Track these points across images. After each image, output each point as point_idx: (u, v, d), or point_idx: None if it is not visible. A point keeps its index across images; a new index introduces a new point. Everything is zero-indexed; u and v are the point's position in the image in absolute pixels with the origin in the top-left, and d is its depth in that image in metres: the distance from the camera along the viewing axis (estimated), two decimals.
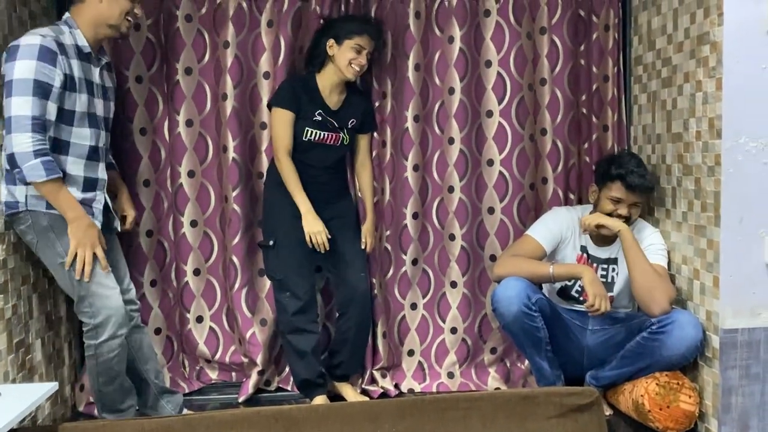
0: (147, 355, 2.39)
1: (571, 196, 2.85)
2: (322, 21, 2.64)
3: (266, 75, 2.67)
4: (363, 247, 2.67)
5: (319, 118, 2.54)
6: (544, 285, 2.60)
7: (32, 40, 1.99)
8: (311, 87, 2.55)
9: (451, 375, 2.86)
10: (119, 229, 2.38)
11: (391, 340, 2.85)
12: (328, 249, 2.53)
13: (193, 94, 2.70)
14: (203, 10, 2.67)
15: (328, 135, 2.56)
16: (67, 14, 2.15)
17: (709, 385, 2.24)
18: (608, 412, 2.44)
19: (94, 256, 2.10)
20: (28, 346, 2.27)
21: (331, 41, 2.50)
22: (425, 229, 2.85)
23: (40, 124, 1.96)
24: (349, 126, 2.61)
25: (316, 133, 2.54)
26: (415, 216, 2.80)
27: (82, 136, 2.12)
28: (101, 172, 2.21)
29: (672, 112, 2.46)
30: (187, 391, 2.75)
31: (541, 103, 2.80)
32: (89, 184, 2.16)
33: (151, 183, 2.72)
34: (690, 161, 2.33)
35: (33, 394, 1.83)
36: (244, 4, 2.66)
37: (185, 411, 2.48)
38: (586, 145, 2.87)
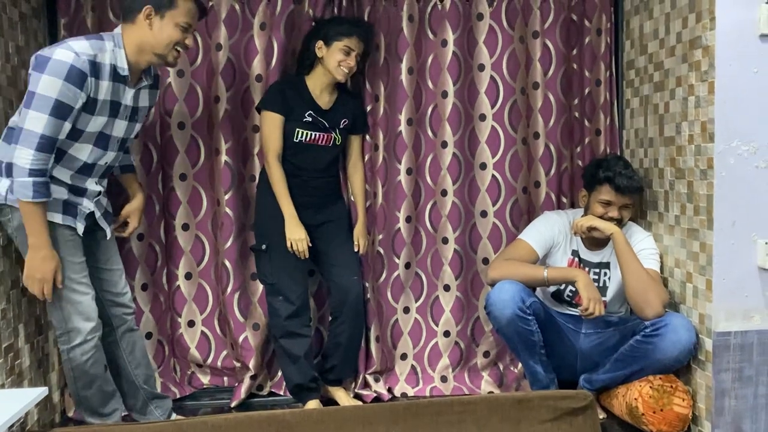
0: (138, 359, 2.36)
1: (564, 200, 2.86)
2: (312, 23, 2.64)
3: (259, 78, 2.66)
4: (356, 250, 2.66)
5: (310, 119, 2.52)
6: (537, 288, 2.60)
7: (65, 56, 1.91)
8: (301, 88, 2.54)
9: (444, 379, 2.85)
10: (109, 233, 2.33)
11: (384, 344, 2.84)
12: (307, 257, 2.52)
13: (185, 97, 2.69)
14: None
15: (319, 135, 2.55)
16: (117, 29, 2.08)
17: (702, 388, 2.24)
18: (602, 415, 2.44)
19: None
20: (17, 351, 2.24)
21: (320, 43, 2.49)
22: (418, 232, 2.84)
23: (47, 144, 1.93)
24: (341, 126, 2.60)
25: (306, 133, 2.53)
26: (408, 219, 2.80)
27: (80, 151, 2.07)
28: (91, 185, 2.16)
29: (664, 116, 2.47)
30: (178, 396, 2.73)
31: (534, 106, 2.81)
32: (76, 191, 2.12)
33: (143, 186, 2.69)
34: (682, 165, 2.34)
35: (22, 400, 1.80)
36: (237, 7, 2.65)
37: (175, 416, 2.45)
38: (578, 149, 2.88)
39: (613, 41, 2.84)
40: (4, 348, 2.15)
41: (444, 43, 2.75)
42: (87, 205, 2.16)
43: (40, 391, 1.87)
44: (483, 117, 2.79)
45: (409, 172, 2.78)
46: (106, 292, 2.29)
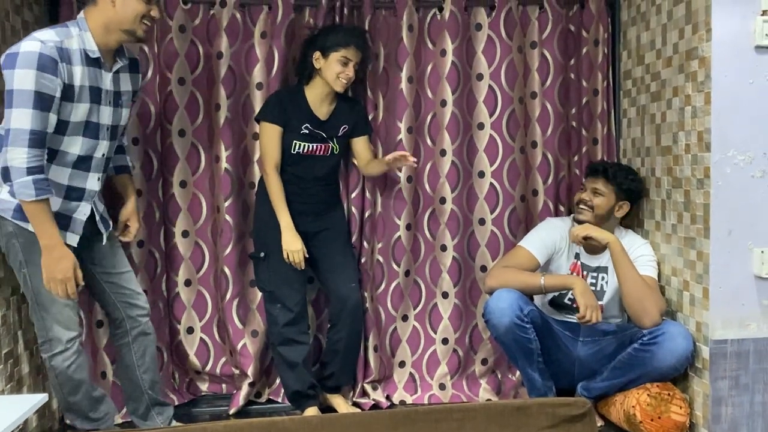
0: (147, 364, 2.35)
1: (561, 208, 2.88)
2: (308, 32, 2.63)
3: (259, 86, 2.68)
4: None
5: (307, 131, 2.53)
6: (535, 296, 2.62)
7: (32, 46, 1.89)
8: (299, 99, 2.55)
9: (442, 386, 2.86)
10: (105, 238, 2.30)
11: (383, 352, 2.85)
12: (303, 268, 2.53)
13: (185, 104, 2.70)
14: (197, 21, 2.68)
15: (316, 147, 2.56)
16: (80, 14, 2.06)
17: (699, 396, 2.26)
18: (600, 422, 2.45)
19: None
20: (17, 357, 2.24)
21: (318, 54, 2.49)
22: (417, 240, 2.86)
23: (38, 139, 1.91)
24: (340, 134, 2.61)
25: (304, 145, 2.54)
26: (408, 227, 2.81)
27: (71, 145, 2.04)
28: (90, 183, 2.13)
29: (661, 126, 2.50)
30: (177, 402, 2.73)
31: (532, 116, 2.83)
32: (73, 194, 2.10)
33: (143, 193, 2.70)
34: (679, 174, 2.37)
35: (22, 406, 1.80)
36: (238, 15, 2.67)
37: (174, 423, 2.45)
38: (576, 158, 2.91)
39: (611, 51, 2.87)
40: (4, 354, 2.15)
41: (443, 52, 2.77)
42: (83, 209, 2.13)
43: (40, 398, 1.88)
44: (481, 126, 2.81)
45: (408, 180, 2.80)
46: (119, 294, 2.29)
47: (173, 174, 2.72)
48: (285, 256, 2.49)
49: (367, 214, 2.77)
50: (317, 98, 2.56)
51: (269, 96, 2.60)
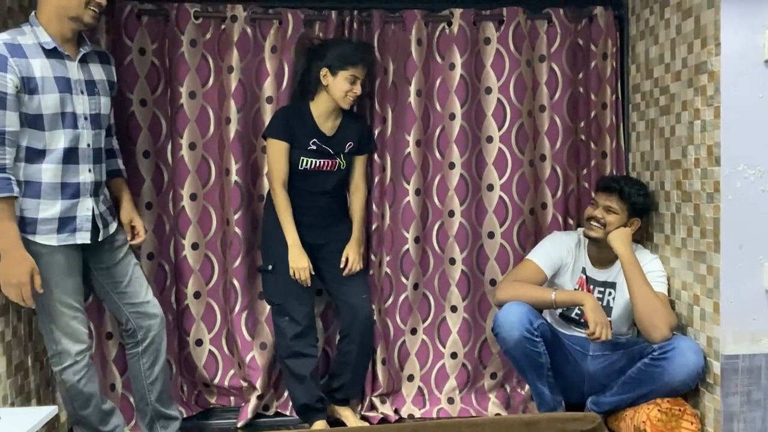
0: (156, 375, 2.35)
1: (570, 222, 2.87)
2: (310, 44, 2.62)
3: (269, 100, 2.70)
4: (342, 266, 2.61)
5: (314, 147, 2.55)
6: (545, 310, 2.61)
7: None
8: (305, 115, 2.56)
9: (451, 400, 2.85)
10: (130, 240, 2.31)
11: (391, 366, 2.84)
12: (310, 285, 2.53)
13: (196, 118, 2.72)
14: (208, 36, 2.71)
15: (324, 162, 2.58)
16: (32, 14, 2.10)
17: (710, 412, 2.24)
18: None
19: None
20: (27, 369, 2.25)
21: (325, 71, 2.50)
22: (425, 253, 2.86)
23: None
24: (346, 150, 2.62)
25: (311, 161, 2.55)
26: (416, 240, 2.81)
27: (54, 140, 2.04)
28: (83, 176, 2.11)
29: (670, 140, 2.50)
30: (185, 415, 2.73)
31: (541, 129, 2.84)
32: (69, 190, 2.09)
33: (154, 205, 2.72)
34: (689, 188, 2.36)
35: (33, 418, 1.82)
36: (249, 30, 2.70)
37: None
38: (584, 171, 2.90)
39: (619, 65, 2.88)
40: (15, 366, 2.16)
41: (452, 66, 2.79)
42: (84, 204, 2.12)
43: (50, 410, 1.89)
44: (490, 139, 2.82)
45: (417, 192, 2.80)
46: (129, 305, 2.29)
47: (183, 186, 2.74)
48: (291, 273, 2.50)
49: (374, 227, 2.78)
50: (323, 114, 2.57)
51: (275, 112, 2.62)
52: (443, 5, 2.78)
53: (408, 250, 2.80)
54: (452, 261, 2.84)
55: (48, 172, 2.05)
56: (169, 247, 2.76)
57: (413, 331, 2.86)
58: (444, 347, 2.87)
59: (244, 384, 2.77)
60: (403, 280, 2.82)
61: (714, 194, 2.20)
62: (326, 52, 2.52)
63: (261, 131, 2.70)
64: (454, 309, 2.85)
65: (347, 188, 2.73)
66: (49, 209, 2.05)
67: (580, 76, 2.87)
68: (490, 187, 2.83)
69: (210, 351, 2.81)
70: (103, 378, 2.65)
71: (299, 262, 2.50)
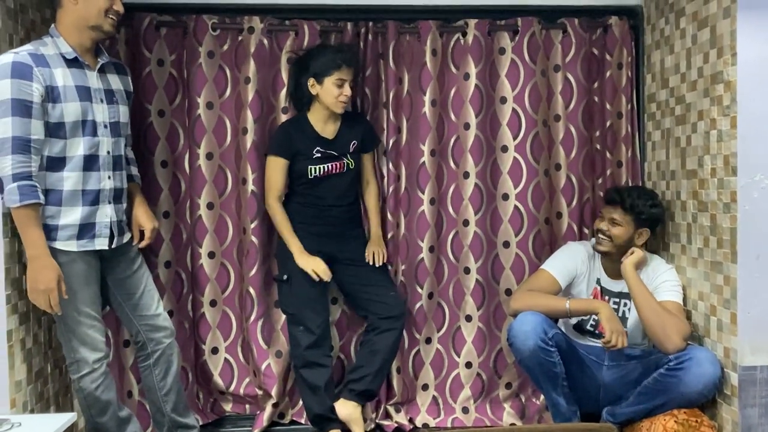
0: (169, 385, 2.37)
1: (585, 231, 2.87)
2: (292, 56, 2.66)
3: (285, 110, 2.73)
4: (369, 261, 2.66)
5: (319, 155, 2.59)
6: (560, 319, 2.60)
7: (5, 58, 1.98)
8: (305, 126, 2.60)
9: (465, 410, 2.84)
10: (137, 244, 2.32)
11: (406, 375, 2.84)
12: (330, 277, 2.58)
13: (213, 128, 2.75)
14: (225, 47, 2.74)
15: (332, 165, 2.61)
16: (52, 26, 2.14)
17: (728, 423, 2.22)
18: None
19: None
20: (47, 376, 2.28)
21: (312, 80, 2.53)
22: (440, 262, 2.86)
23: (23, 145, 1.95)
24: (351, 150, 2.66)
25: (320, 168, 2.59)
26: (431, 249, 2.82)
27: (73, 147, 2.08)
28: (104, 182, 2.15)
29: (686, 149, 2.49)
30: (201, 423, 2.74)
31: (556, 138, 2.84)
32: (89, 198, 2.12)
33: (171, 215, 2.75)
34: (705, 198, 2.35)
35: (53, 425, 1.84)
36: (265, 41, 2.72)
37: None
38: (600, 181, 2.90)
39: (634, 75, 2.87)
40: (35, 373, 2.18)
41: (466, 76, 2.80)
42: (104, 211, 2.15)
43: (69, 417, 1.92)
44: (505, 148, 2.82)
45: (432, 202, 2.81)
46: (140, 317, 2.32)
47: (200, 196, 2.76)
48: (312, 275, 2.53)
49: (390, 236, 2.79)
50: (321, 121, 2.61)
51: (277, 128, 2.66)
52: (458, 16, 2.80)
53: (423, 259, 2.81)
54: (467, 270, 2.84)
55: (69, 180, 2.09)
56: (186, 255, 2.79)
57: (428, 341, 2.87)
58: (459, 356, 2.87)
59: (260, 392, 2.78)
60: (418, 289, 2.82)
61: (731, 204, 2.19)
62: (309, 63, 2.55)
63: None
64: (468, 318, 2.85)
65: (360, 193, 2.75)
66: (70, 216, 2.09)
67: (595, 85, 2.87)
68: (505, 197, 2.84)
69: (226, 359, 2.83)
70: (120, 385, 2.67)
71: (308, 264, 2.55)
